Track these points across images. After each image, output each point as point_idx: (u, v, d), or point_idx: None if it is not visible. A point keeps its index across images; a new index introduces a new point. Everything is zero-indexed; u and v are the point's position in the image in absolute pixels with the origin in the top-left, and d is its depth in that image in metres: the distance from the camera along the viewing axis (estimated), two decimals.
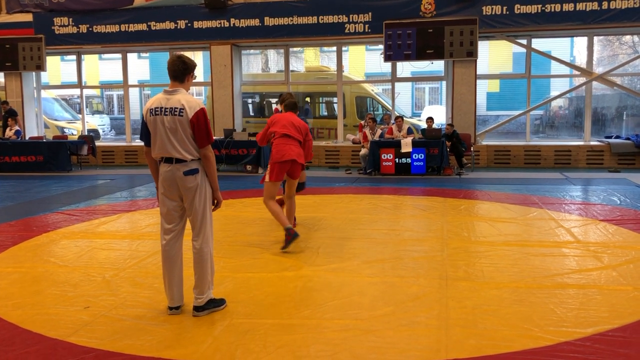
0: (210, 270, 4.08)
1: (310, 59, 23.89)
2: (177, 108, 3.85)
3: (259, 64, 23.28)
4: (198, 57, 25.26)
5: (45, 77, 17.94)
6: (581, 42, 17.00)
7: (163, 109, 3.88)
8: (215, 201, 4.11)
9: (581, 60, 18.13)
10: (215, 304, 4.13)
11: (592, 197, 8.99)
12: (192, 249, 4.05)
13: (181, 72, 3.95)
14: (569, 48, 23.14)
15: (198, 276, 4.05)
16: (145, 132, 4.02)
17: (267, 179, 6.03)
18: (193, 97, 3.96)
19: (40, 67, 15.36)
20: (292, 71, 16.64)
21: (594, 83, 14.12)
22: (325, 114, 18.02)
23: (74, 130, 18.63)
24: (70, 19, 15.06)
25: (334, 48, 15.25)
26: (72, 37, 15.13)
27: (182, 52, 4.01)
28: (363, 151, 12.55)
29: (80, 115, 17.82)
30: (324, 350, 3.48)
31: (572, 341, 3.54)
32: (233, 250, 5.90)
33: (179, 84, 3.97)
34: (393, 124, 13.01)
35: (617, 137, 14.14)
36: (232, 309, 4.18)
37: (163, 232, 4.07)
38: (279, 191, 6.23)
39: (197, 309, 4.05)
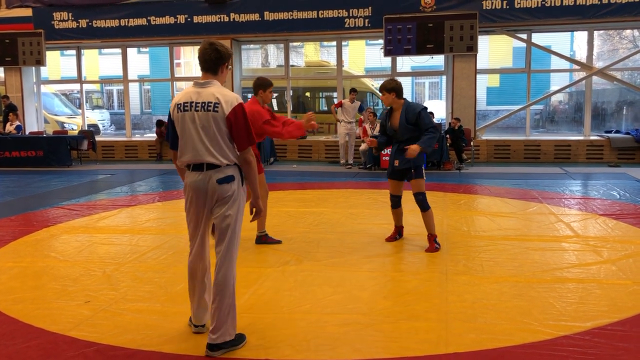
0: (232, 301, 3.42)
1: (310, 53, 23.85)
2: (210, 102, 3.29)
3: (259, 58, 23.25)
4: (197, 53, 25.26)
5: (45, 72, 17.93)
6: (581, 36, 16.98)
7: (194, 104, 3.32)
8: (254, 210, 3.56)
9: (581, 55, 18.09)
10: (232, 343, 3.40)
11: (592, 192, 9.00)
12: (214, 271, 3.43)
13: (214, 61, 3.38)
14: (569, 42, 23.09)
15: (216, 306, 3.36)
16: (172, 133, 3.47)
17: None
18: (229, 91, 3.40)
19: (40, 62, 15.34)
20: (292, 66, 16.63)
21: (594, 78, 14.11)
22: (325, 108, 18.01)
23: (74, 125, 18.63)
24: (70, 14, 15.03)
25: (334, 43, 15.24)
26: (71, 32, 15.11)
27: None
28: (363, 146, 12.55)
29: (80, 110, 17.82)
30: (324, 345, 3.49)
31: (572, 335, 3.55)
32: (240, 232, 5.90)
33: (212, 76, 3.40)
34: None
35: (617, 131, 14.15)
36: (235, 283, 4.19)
37: (190, 241, 3.57)
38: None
39: (211, 347, 3.35)
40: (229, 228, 3.38)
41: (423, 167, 5.65)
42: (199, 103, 3.31)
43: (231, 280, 3.41)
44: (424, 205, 5.64)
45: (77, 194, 9.43)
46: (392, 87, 5.57)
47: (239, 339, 3.46)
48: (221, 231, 3.40)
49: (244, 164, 3.41)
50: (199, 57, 3.40)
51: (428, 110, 5.86)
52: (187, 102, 3.35)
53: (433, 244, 5.59)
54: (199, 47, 3.41)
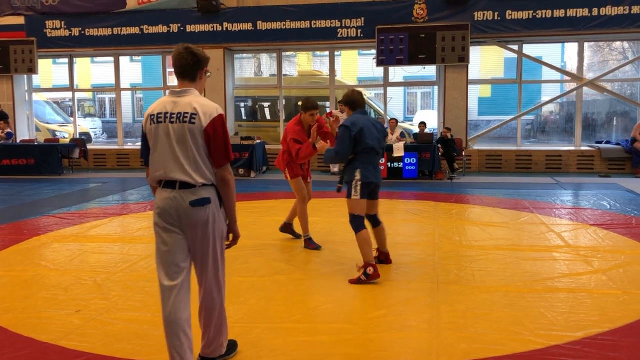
0: (223, 326, 3.28)
1: (303, 63, 23.90)
2: (187, 113, 2.95)
3: (252, 68, 23.28)
4: None
5: (37, 80, 17.86)
6: (572, 48, 17.14)
7: (169, 115, 2.97)
8: (231, 236, 3.21)
9: (572, 66, 18.25)
10: (226, 354, 3.38)
11: (583, 202, 9.05)
12: (199, 300, 3.21)
13: (192, 67, 3.04)
14: (560, 54, 23.30)
15: (207, 323, 3.26)
16: (145, 147, 3.13)
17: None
18: (209, 101, 3.06)
19: (32, 70, 15.29)
20: (285, 75, 16.66)
21: (585, 89, 14.23)
22: None
23: (66, 133, 18.55)
24: (63, 22, 15.01)
25: (327, 53, 15.29)
26: (64, 40, 15.09)
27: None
28: None
29: (72, 119, 17.76)
30: (316, 354, 3.49)
31: (563, 345, 3.57)
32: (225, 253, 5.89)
33: (189, 83, 3.06)
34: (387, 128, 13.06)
35: (608, 142, 14.25)
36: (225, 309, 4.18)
37: (164, 291, 3.05)
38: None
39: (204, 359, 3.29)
40: (209, 257, 3.08)
41: (354, 185, 5.01)
42: (174, 114, 2.98)
43: (220, 306, 3.21)
44: (353, 228, 5.08)
45: (68, 202, 9.38)
46: (344, 101, 5.28)
47: (231, 347, 3.44)
48: (202, 262, 3.09)
49: (221, 183, 3.06)
50: (174, 63, 3.06)
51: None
52: (161, 113, 3.01)
53: (358, 276, 4.91)
54: (173, 55, 3.06)
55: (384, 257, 5.46)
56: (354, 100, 5.19)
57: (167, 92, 3.08)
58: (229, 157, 3.04)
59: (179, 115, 2.97)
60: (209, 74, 3.20)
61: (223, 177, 3.05)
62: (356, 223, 5.06)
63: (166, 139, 2.99)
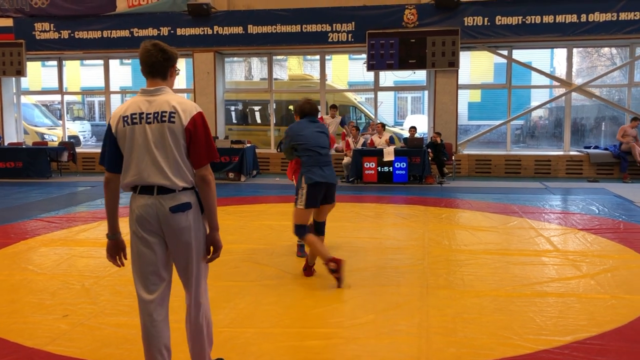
0: (207, 342, 3.12)
1: (294, 67, 23.93)
2: (165, 112, 2.77)
3: (242, 71, 23.26)
4: (181, 65, 25.19)
5: (25, 82, 17.75)
6: (561, 53, 17.28)
7: (144, 115, 2.78)
8: (212, 247, 2.99)
9: (561, 72, 18.41)
10: None
11: (571, 207, 9.10)
12: (185, 312, 3.06)
13: (162, 64, 2.87)
14: (549, 59, 23.45)
15: (193, 351, 3.10)
16: (111, 151, 2.87)
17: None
18: (185, 98, 2.92)
19: (20, 72, 15.17)
20: (276, 79, 16.67)
21: (573, 94, 14.33)
22: None
23: (54, 136, 18.42)
24: (52, 25, 14.92)
25: (318, 57, 15.30)
26: (53, 43, 15.00)
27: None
28: (346, 159, 12.59)
29: (60, 122, 17.65)
30: (304, 359, 3.47)
31: (551, 349, 3.58)
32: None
33: (160, 81, 2.89)
34: (374, 133, 13.11)
35: (596, 147, 14.35)
36: (213, 318, 4.15)
37: (142, 304, 2.91)
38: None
39: None
40: (192, 265, 2.92)
41: (299, 194, 5.05)
42: (150, 114, 2.78)
43: (205, 321, 3.07)
44: (297, 236, 5.23)
45: (56, 206, 9.31)
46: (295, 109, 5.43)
47: None
48: (185, 270, 2.93)
49: (201, 184, 2.85)
50: (142, 61, 2.86)
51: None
52: (135, 114, 2.80)
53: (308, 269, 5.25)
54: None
55: (308, 270, 5.32)
56: (301, 109, 5.30)
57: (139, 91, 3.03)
58: (212, 156, 2.85)
59: (156, 115, 2.79)
60: (178, 70, 3.03)
61: (204, 177, 2.84)
62: (299, 232, 5.12)
63: (143, 141, 2.79)
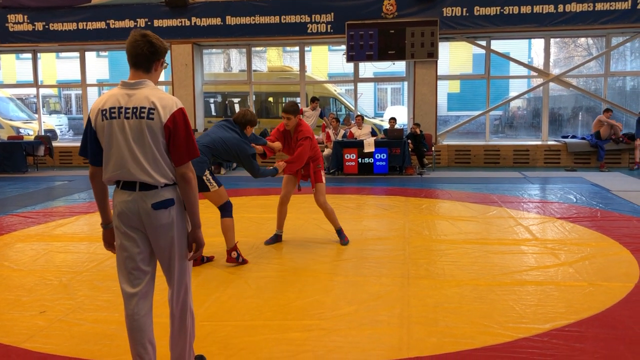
0: (189, 339, 3.04)
1: (273, 58, 23.79)
2: (144, 108, 2.69)
3: (221, 63, 23.07)
4: None
5: None
6: (538, 43, 17.42)
7: (123, 110, 2.71)
8: (194, 244, 2.91)
9: (538, 62, 18.55)
10: None
11: (550, 196, 9.20)
12: (169, 308, 2.99)
13: (147, 57, 2.77)
14: (526, 50, 23.62)
15: (174, 347, 3.03)
16: (92, 145, 2.81)
17: (324, 179, 6.13)
18: (166, 93, 2.82)
19: None
20: (255, 71, 16.57)
21: (551, 84, 14.47)
22: None
23: (30, 130, 18.13)
24: (26, 16, 14.65)
25: (297, 48, 15.24)
26: (27, 35, 14.73)
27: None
28: (326, 151, 12.58)
29: (36, 115, 17.37)
30: (286, 351, 3.46)
31: (531, 337, 3.61)
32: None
33: (143, 74, 2.79)
34: (353, 123, 13.11)
35: (573, 136, 14.51)
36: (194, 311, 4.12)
37: (126, 298, 2.88)
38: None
39: None
40: (175, 261, 2.86)
41: (205, 180, 5.25)
42: (129, 108, 2.70)
43: (189, 317, 3.01)
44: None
45: (33, 201, 9.17)
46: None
47: None
48: (168, 266, 2.88)
49: (181, 182, 2.78)
50: (128, 51, 2.77)
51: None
52: (114, 108, 2.72)
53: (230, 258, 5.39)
54: (129, 42, 2.80)
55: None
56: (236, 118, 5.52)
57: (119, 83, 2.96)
58: (192, 153, 2.77)
59: (134, 110, 2.70)
60: (165, 64, 2.93)
61: (184, 175, 2.76)
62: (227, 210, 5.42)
63: (122, 136, 2.72)
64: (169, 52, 14.44)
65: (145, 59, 2.78)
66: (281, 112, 5.83)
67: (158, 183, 2.74)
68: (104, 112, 2.75)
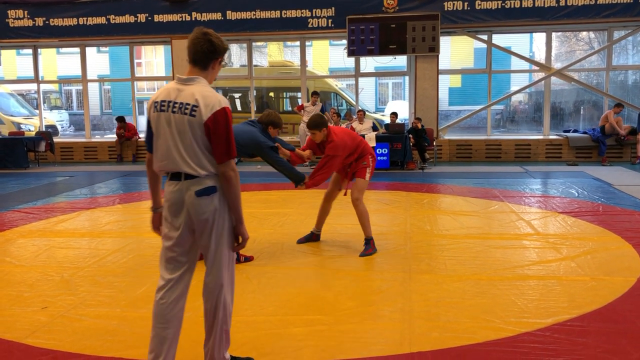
0: (220, 337, 3.05)
1: (274, 53, 23.76)
2: (188, 104, 2.78)
3: None
4: (159, 52, 24.91)
5: (0, 71, 17.41)
6: (540, 38, 17.36)
7: (171, 104, 2.83)
8: (240, 238, 2.98)
9: (540, 56, 18.49)
10: None
11: (551, 190, 9.18)
12: (202, 292, 3.05)
13: (205, 54, 2.87)
14: (528, 44, 23.57)
15: (205, 344, 3.07)
16: (149, 134, 2.96)
17: (368, 177, 5.63)
18: (213, 91, 2.86)
19: None
20: (256, 66, 16.55)
21: (553, 78, 14.43)
22: (289, 109, 17.97)
23: (31, 126, 18.15)
24: (26, 12, 14.62)
25: (298, 43, 15.20)
26: (27, 31, 14.71)
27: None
28: None
29: (37, 111, 17.37)
30: (288, 347, 3.46)
31: (533, 332, 3.60)
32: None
33: (199, 71, 2.89)
34: (355, 118, 13.09)
35: (575, 131, 14.49)
36: (195, 306, 4.12)
37: (159, 285, 2.96)
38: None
39: None
40: (216, 252, 2.91)
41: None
42: (177, 103, 2.82)
43: (227, 306, 3.02)
44: None
45: (34, 196, 9.17)
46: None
47: None
48: (209, 258, 2.94)
49: (222, 180, 2.86)
50: (189, 47, 2.89)
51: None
52: (164, 101, 2.86)
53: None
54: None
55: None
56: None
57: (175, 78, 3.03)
58: (231, 153, 2.82)
59: (180, 106, 2.81)
60: (223, 63, 3.02)
61: (224, 173, 2.84)
62: None
63: (168, 129, 2.84)
64: (169, 47, 14.46)
65: (203, 57, 2.87)
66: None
67: (198, 174, 2.83)
68: (156, 104, 2.89)
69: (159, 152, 2.89)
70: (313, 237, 6.00)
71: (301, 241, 5.96)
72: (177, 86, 2.87)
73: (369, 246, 5.57)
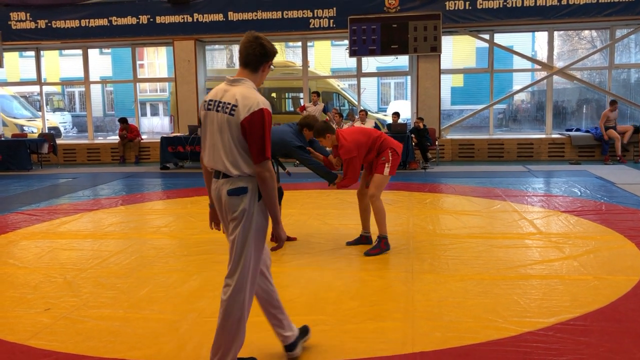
0: (228, 340, 3.00)
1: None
2: (229, 104, 2.88)
3: (224, 59, 23.05)
4: (161, 53, 24.94)
5: (2, 73, 17.45)
6: (542, 36, 17.34)
7: (217, 104, 2.95)
8: (276, 238, 3.06)
9: (542, 55, 18.46)
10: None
11: (554, 189, 9.17)
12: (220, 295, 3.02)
13: (257, 57, 2.98)
14: (530, 43, 23.52)
15: (214, 345, 3.04)
16: (202, 131, 3.11)
17: (387, 172, 5.48)
18: (255, 92, 2.94)
19: None
20: None
21: (555, 77, 14.40)
22: (292, 109, 17.96)
23: (34, 128, 18.19)
24: (28, 14, 14.65)
25: (300, 43, 15.20)
26: (30, 33, 14.74)
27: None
28: None
29: (40, 113, 17.40)
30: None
31: (536, 331, 3.60)
32: (198, 248, 5.84)
33: (249, 73, 3.00)
34: (357, 117, 13.08)
35: (577, 129, 14.45)
36: (198, 307, 4.13)
37: (225, 279, 3.01)
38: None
39: None
40: (237, 253, 2.94)
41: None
42: (221, 103, 2.93)
43: (238, 307, 2.98)
44: None
45: (37, 198, 9.19)
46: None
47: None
48: (233, 256, 2.96)
49: (258, 180, 2.91)
50: (240, 51, 2.99)
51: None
52: (212, 100, 2.99)
53: None
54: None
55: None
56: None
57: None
58: (265, 154, 2.86)
59: (223, 105, 2.92)
60: (273, 67, 3.13)
61: (259, 174, 2.88)
62: None
63: (212, 127, 2.97)
64: (171, 48, 14.48)
65: (255, 59, 2.98)
66: None
67: (231, 174, 2.92)
68: (205, 104, 3.03)
69: (206, 149, 3.03)
70: (362, 240, 5.83)
71: (350, 243, 5.83)
72: (225, 87, 2.99)
73: (378, 246, 5.51)
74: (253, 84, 2.99)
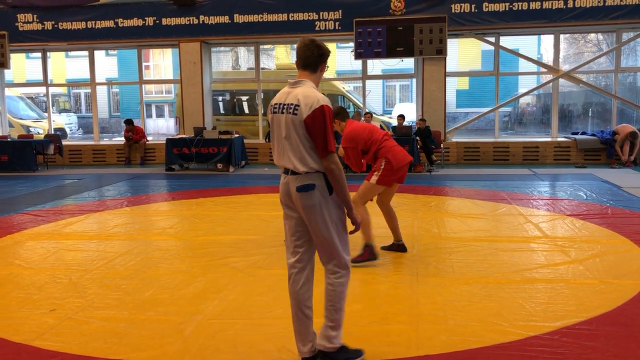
0: (341, 306, 3.27)
1: (281, 56, 23.78)
2: (291, 105, 3.08)
3: (229, 61, 23.12)
4: (167, 55, 25.01)
5: (9, 74, 17.53)
6: (548, 40, 17.29)
7: (281, 106, 3.15)
8: (352, 222, 3.26)
9: (548, 58, 18.43)
10: (348, 355, 3.28)
11: (560, 193, 9.14)
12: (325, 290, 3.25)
13: (316, 58, 3.20)
14: (536, 46, 23.51)
15: (328, 315, 3.26)
16: (272, 132, 3.31)
17: (373, 180, 5.37)
18: (315, 91, 3.13)
19: (3, 64, 14.97)
20: (263, 69, 16.56)
21: (561, 80, 14.37)
22: None
23: (40, 129, 18.25)
24: (35, 16, 14.72)
25: None
26: (36, 34, 14.80)
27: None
28: None
29: (46, 114, 17.47)
30: (295, 350, 3.45)
31: (541, 335, 3.59)
32: (203, 250, 5.84)
33: (308, 74, 3.21)
34: (362, 120, 13.07)
35: (583, 133, 14.42)
36: (202, 309, 4.13)
37: (288, 267, 3.25)
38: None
39: (324, 356, 3.26)
40: (326, 242, 3.15)
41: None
42: (285, 104, 3.13)
43: (339, 291, 3.23)
44: None
45: (43, 199, 9.22)
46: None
47: (356, 353, 3.32)
48: (320, 248, 3.19)
49: (327, 173, 3.09)
50: (298, 54, 3.22)
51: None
52: (277, 104, 3.19)
53: None
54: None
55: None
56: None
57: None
58: (328, 148, 3.03)
59: (288, 107, 3.11)
60: (327, 67, 3.33)
61: (326, 167, 3.07)
62: None
63: (278, 128, 3.16)
64: (177, 50, 14.51)
65: (314, 61, 3.21)
66: None
67: (298, 170, 3.09)
68: (271, 107, 3.24)
69: (274, 149, 3.23)
70: (393, 247, 5.71)
71: (385, 248, 5.73)
72: (288, 89, 3.19)
73: (362, 253, 5.33)
74: (313, 84, 3.19)
